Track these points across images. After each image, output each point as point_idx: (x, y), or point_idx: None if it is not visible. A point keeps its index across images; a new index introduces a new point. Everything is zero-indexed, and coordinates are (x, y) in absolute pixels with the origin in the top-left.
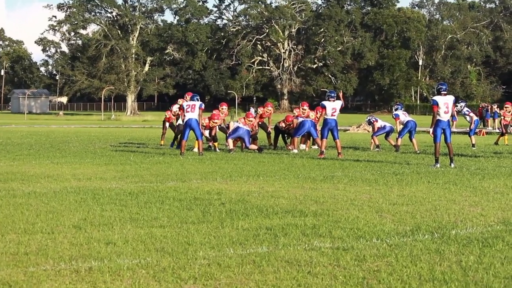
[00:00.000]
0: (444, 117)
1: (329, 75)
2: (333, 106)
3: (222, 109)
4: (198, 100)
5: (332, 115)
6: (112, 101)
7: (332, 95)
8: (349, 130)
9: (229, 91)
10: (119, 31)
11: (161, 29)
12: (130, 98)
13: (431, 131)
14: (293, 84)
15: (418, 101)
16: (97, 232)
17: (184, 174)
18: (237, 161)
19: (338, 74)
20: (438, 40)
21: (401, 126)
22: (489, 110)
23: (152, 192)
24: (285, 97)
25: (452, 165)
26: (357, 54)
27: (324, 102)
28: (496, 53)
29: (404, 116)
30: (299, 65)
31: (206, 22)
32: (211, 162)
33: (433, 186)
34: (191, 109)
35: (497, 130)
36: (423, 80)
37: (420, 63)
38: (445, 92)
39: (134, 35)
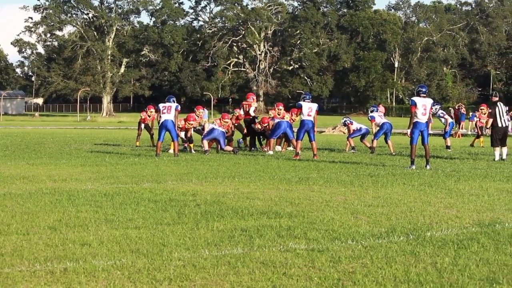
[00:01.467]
0: (422, 118)
1: (305, 77)
2: (309, 106)
3: (200, 112)
4: (174, 102)
5: (308, 115)
6: (88, 102)
7: (307, 97)
8: (324, 131)
9: (204, 93)
10: (95, 33)
11: (137, 31)
12: (106, 100)
13: (409, 132)
14: (269, 86)
15: (394, 103)
16: (72, 233)
17: (159, 175)
18: (212, 163)
19: (313, 76)
20: (414, 43)
21: (377, 128)
22: (457, 111)
23: (128, 194)
24: (261, 99)
25: (428, 167)
26: (333, 56)
27: (300, 102)
28: (472, 56)
29: (379, 118)
30: (275, 67)
31: (182, 24)
32: (187, 164)
33: (408, 188)
34: (167, 110)
35: (472, 132)
36: (399, 82)
37: (396, 65)
38: (425, 95)
39: (110, 37)
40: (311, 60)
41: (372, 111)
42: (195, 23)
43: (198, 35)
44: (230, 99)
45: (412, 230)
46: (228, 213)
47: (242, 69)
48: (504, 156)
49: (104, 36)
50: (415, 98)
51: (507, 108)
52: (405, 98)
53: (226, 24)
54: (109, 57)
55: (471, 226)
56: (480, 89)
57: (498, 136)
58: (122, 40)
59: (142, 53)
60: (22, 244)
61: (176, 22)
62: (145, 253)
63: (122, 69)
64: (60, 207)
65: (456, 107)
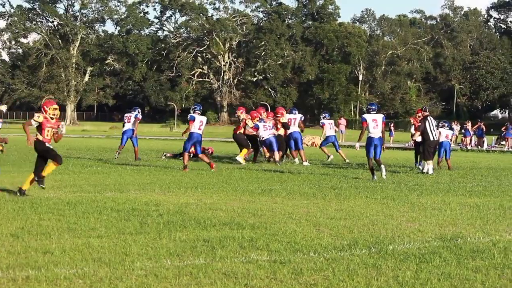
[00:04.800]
0: (375, 132)
1: (269, 89)
2: (263, 124)
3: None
4: (138, 112)
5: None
6: None
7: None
8: None
9: (168, 103)
10: (59, 41)
11: (102, 39)
12: (70, 108)
13: (357, 146)
14: (233, 97)
15: (358, 116)
16: (34, 241)
17: (122, 184)
18: (176, 173)
19: (277, 88)
20: (378, 56)
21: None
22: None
23: (90, 202)
24: (225, 110)
25: (383, 175)
26: (297, 68)
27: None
28: (436, 70)
29: (329, 126)
30: (239, 78)
31: (147, 33)
32: (150, 173)
33: (371, 201)
34: (127, 119)
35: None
36: (363, 95)
37: (360, 78)
38: (375, 112)
39: (75, 45)
40: (275, 72)
41: (324, 117)
42: (160, 33)
43: (163, 45)
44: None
45: (374, 243)
46: (190, 223)
47: (207, 79)
48: (431, 171)
49: (68, 44)
50: (365, 115)
51: (436, 122)
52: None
53: (191, 35)
54: (73, 65)
55: (433, 240)
56: (444, 103)
57: (431, 150)
58: (86, 49)
59: (107, 62)
60: None
61: (141, 31)
62: (107, 262)
63: (87, 78)
64: (23, 215)
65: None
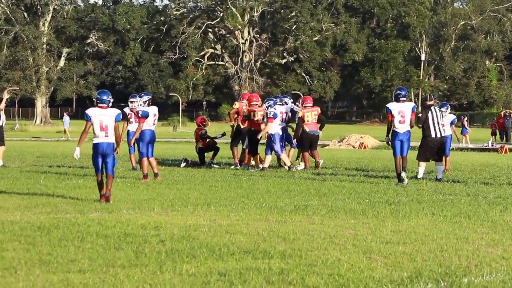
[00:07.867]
0: (400, 127)
1: (303, 73)
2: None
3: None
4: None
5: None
6: (16, 105)
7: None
8: (329, 145)
9: (170, 94)
10: (25, 14)
11: (81, 12)
12: (40, 102)
13: (388, 140)
14: (255, 85)
15: (420, 107)
16: None
17: (111, 202)
18: (181, 186)
19: (314, 72)
20: (446, 28)
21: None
22: (502, 118)
23: (69, 226)
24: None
25: (406, 181)
26: (339, 46)
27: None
28: None
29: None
30: (263, 60)
31: (141, 3)
32: (147, 187)
33: (438, 219)
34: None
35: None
36: (427, 80)
37: (423, 58)
38: (404, 99)
39: (46, 19)
40: (310, 51)
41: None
42: (158, 2)
43: (162, 18)
44: (204, 102)
45: (443, 275)
46: (201, 251)
47: (220, 62)
48: (440, 175)
49: (37, 18)
50: (391, 105)
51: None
52: (436, 101)
53: (199, 4)
54: (44, 46)
55: None
56: None
57: (430, 150)
58: (61, 24)
59: (88, 41)
60: None
61: (133, 1)
62: None
63: (62, 63)
64: None
65: (503, 114)
